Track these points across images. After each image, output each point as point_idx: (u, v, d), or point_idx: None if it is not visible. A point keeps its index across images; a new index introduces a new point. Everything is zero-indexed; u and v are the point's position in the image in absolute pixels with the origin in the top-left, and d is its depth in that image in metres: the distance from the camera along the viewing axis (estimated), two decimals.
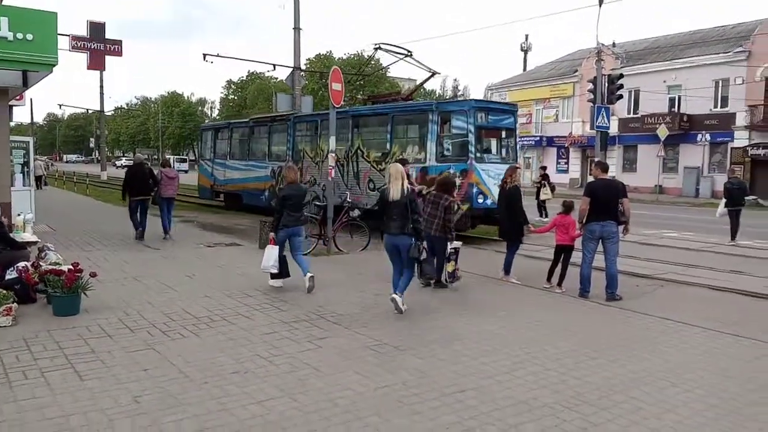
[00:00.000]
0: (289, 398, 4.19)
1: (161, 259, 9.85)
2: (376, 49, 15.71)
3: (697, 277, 9.38)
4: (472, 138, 12.42)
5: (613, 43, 35.31)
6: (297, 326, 6.00)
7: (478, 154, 12.56)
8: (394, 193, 6.55)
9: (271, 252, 7.55)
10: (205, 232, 13.53)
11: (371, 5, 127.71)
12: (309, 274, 7.59)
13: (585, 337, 5.99)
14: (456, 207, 8.76)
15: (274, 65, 23.42)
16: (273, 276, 7.76)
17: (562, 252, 8.21)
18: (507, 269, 8.70)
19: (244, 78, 74.36)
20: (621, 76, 20.15)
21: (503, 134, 13.58)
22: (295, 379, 4.55)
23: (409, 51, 15.29)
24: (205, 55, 21.78)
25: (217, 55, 22.37)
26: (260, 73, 66.12)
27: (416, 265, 6.83)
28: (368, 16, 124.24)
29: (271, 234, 7.75)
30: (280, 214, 7.69)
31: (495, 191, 11.28)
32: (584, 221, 7.74)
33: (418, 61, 15.23)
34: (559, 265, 8.21)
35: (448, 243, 7.79)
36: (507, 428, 3.82)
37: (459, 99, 16.47)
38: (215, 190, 21.06)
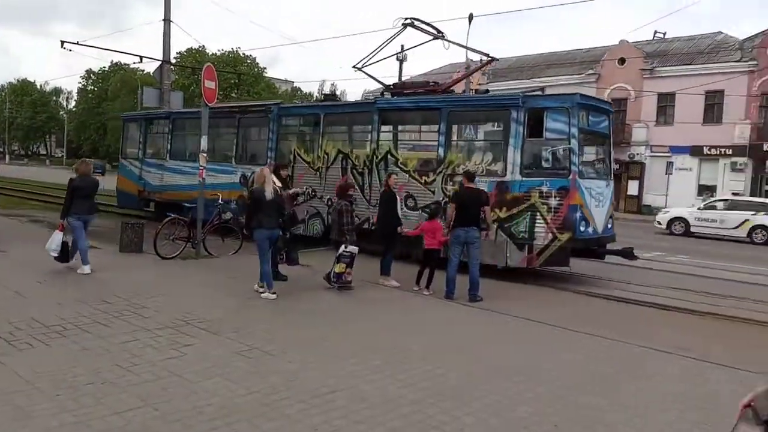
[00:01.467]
0: (152, 408, 3.98)
1: (8, 263, 8.89)
2: (405, 26, 12.38)
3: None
4: (575, 145, 9.44)
5: (480, 60, 37.28)
6: (161, 333, 5.70)
7: (581, 168, 9.68)
8: (268, 193, 7.55)
9: (56, 236, 8.40)
10: None
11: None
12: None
13: (448, 335, 6.34)
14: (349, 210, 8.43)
15: (141, 57, 22.03)
16: (57, 259, 8.40)
17: (430, 255, 8.55)
18: (385, 271, 8.96)
19: (106, 68, 69.36)
20: (486, 91, 21.39)
21: (601, 141, 10.93)
22: (157, 388, 4.33)
23: (441, 31, 12.53)
24: (63, 42, 20.07)
25: (77, 43, 20.73)
26: (125, 64, 61.97)
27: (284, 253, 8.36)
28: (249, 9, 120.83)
29: (61, 221, 8.49)
30: (70, 202, 8.40)
31: (598, 215, 9.83)
32: (450, 227, 8.21)
33: (453, 42, 12.64)
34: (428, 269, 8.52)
35: (342, 246, 8.08)
36: (375, 426, 3.93)
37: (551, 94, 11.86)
38: (145, 197, 16.80)
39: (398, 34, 12.42)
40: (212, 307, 6.83)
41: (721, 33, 33.15)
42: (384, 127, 11.88)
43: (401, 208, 9.82)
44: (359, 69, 12.86)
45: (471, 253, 8.11)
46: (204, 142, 10.82)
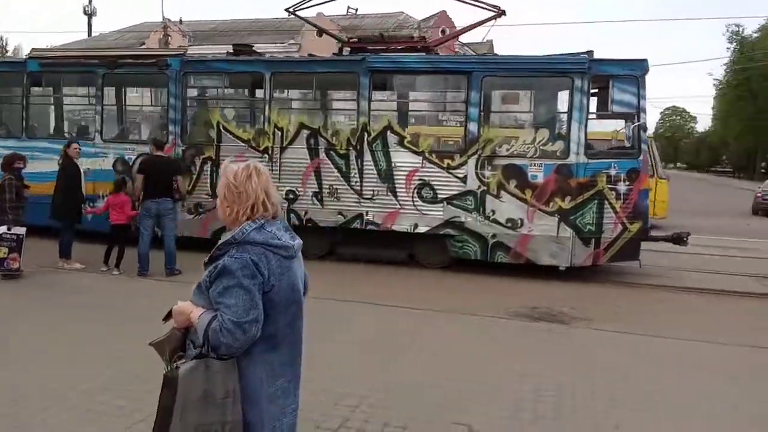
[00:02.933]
0: None
1: None
2: None
3: None
4: (644, 119, 8.13)
5: (180, 20, 36.49)
6: None
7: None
8: None
9: None
10: None
11: None
12: None
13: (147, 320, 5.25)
14: (10, 189, 7.29)
15: None
16: None
17: (118, 231, 8.00)
18: (65, 252, 8.10)
19: None
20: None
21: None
22: None
23: None
24: None
25: None
26: None
27: None
28: None
29: None
30: None
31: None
32: (140, 199, 7.79)
33: None
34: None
35: (4, 227, 7.15)
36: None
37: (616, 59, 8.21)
38: None
39: None
40: None
41: (403, 13, 35.54)
42: (378, 94, 9.23)
43: (414, 200, 8.45)
44: (292, 13, 10.15)
45: (165, 224, 7.94)
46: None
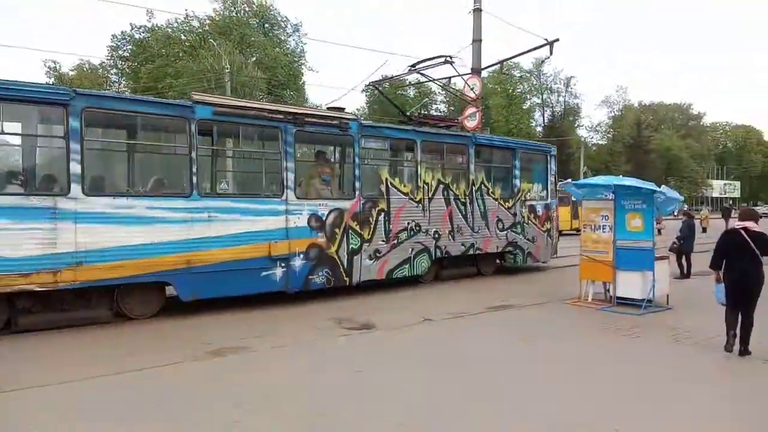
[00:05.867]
0: None
1: None
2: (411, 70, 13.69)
3: None
4: (553, 181, 14.99)
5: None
6: None
7: None
8: None
9: None
10: None
11: None
12: None
13: None
14: None
15: None
16: None
17: None
18: None
19: None
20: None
21: None
22: None
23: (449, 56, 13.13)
24: None
25: None
26: None
27: None
28: None
29: None
30: None
31: None
32: None
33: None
34: None
35: None
36: None
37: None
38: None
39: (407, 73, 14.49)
40: None
41: None
42: (477, 160, 12.70)
43: (495, 232, 12.91)
44: (375, 87, 16.49)
45: None
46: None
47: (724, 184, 77.62)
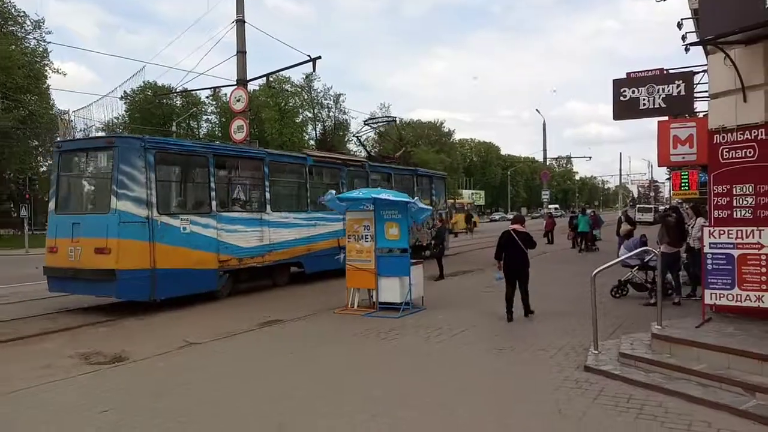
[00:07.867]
0: None
1: None
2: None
3: None
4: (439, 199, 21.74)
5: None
6: None
7: None
8: None
9: None
10: None
11: None
12: None
13: None
14: None
15: None
16: None
17: None
18: None
19: None
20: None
21: None
22: None
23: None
24: None
25: None
26: None
27: None
28: None
29: None
30: None
31: None
32: None
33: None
34: None
35: None
36: None
37: None
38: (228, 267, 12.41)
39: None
40: None
41: None
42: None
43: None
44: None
45: None
46: None
47: (472, 193, 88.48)
